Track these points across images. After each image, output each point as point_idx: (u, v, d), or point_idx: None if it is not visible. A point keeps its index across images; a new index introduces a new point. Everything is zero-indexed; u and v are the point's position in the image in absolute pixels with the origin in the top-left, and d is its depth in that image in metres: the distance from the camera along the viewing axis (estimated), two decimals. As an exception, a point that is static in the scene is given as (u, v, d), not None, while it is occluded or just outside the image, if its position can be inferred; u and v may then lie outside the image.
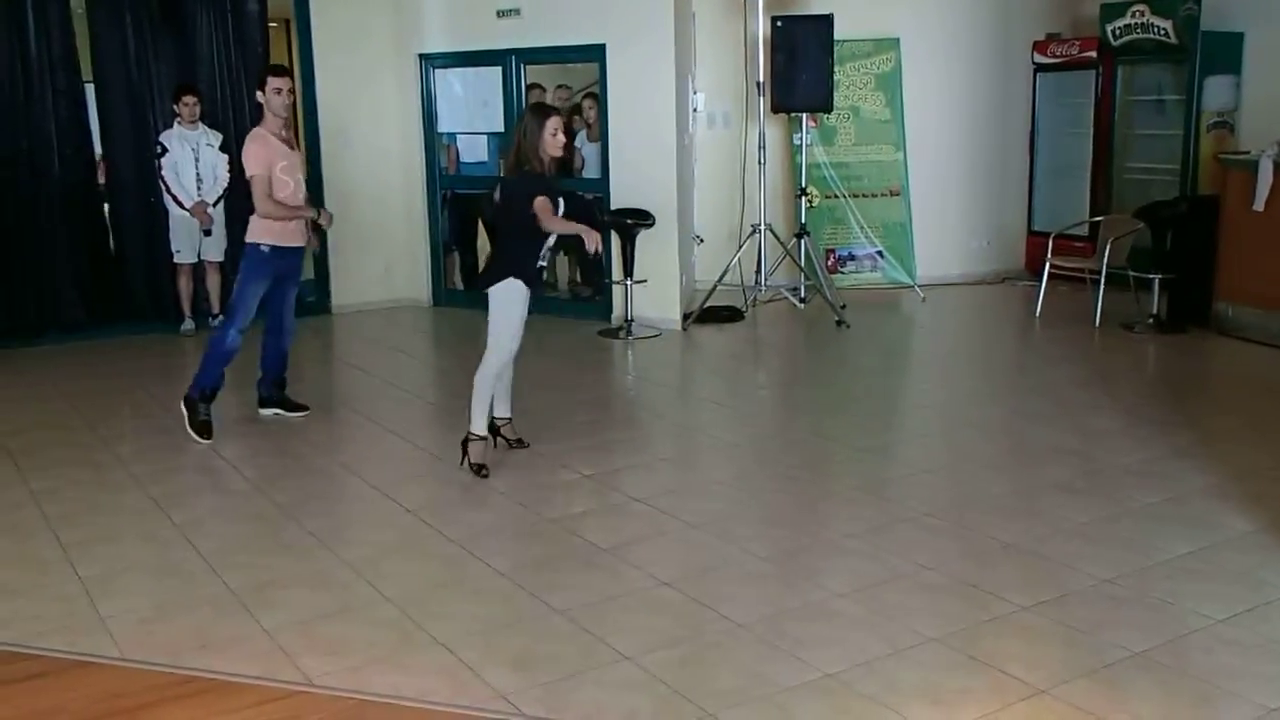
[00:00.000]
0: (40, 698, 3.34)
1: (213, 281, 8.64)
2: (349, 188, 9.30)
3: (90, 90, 8.49)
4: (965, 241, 10.43)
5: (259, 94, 5.93)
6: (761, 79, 8.99)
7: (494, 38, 8.95)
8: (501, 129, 9.22)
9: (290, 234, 5.96)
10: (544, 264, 5.30)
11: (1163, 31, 9.11)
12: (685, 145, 8.88)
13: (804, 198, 9.28)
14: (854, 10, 9.37)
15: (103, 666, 3.52)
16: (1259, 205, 7.60)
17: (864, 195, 9.92)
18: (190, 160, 8.24)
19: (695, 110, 9.73)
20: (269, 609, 3.87)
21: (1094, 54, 9.75)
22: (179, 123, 8.23)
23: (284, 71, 6.07)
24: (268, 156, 5.79)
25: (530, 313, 5.25)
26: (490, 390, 5.27)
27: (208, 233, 8.40)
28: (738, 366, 7.96)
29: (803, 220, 9.24)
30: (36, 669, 3.51)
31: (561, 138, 5.14)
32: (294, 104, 6.25)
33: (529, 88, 9.18)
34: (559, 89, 9.67)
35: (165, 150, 8.21)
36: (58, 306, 8.34)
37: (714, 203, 9.94)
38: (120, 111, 8.50)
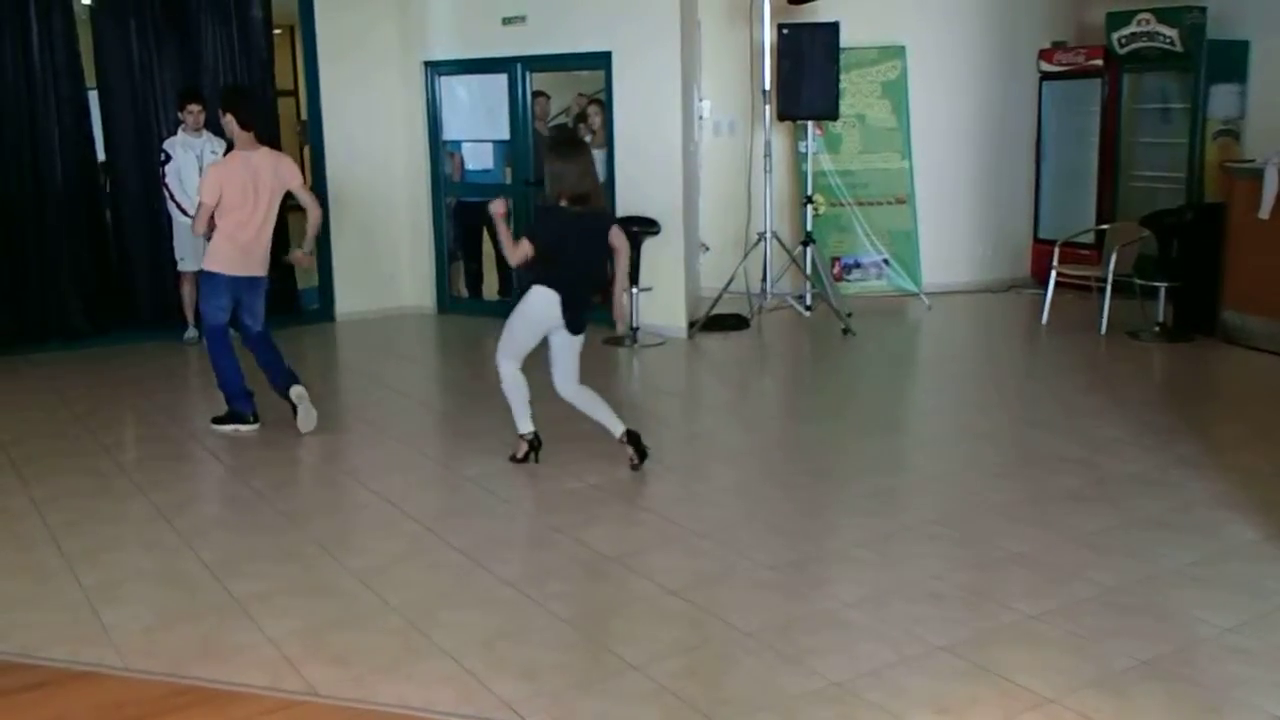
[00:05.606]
0: (42, 708, 3.33)
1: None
2: (353, 195, 9.30)
3: (94, 97, 8.49)
4: (971, 249, 10.42)
5: None
6: (767, 87, 8.98)
7: (499, 45, 8.95)
8: (507, 137, 9.22)
9: None
10: None
11: (1168, 40, 9.10)
12: (691, 153, 8.87)
13: (810, 205, 9.28)
14: (860, 18, 9.37)
15: (105, 676, 3.50)
16: (1265, 214, 7.58)
17: (870, 203, 9.90)
18: (194, 168, 8.22)
19: (701, 118, 9.72)
20: (273, 618, 3.86)
21: (1100, 62, 9.74)
22: (183, 130, 8.23)
23: None
24: None
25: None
26: None
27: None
28: (743, 374, 7.95)
29: (808, 228, 9.23)
30: (38, 679, 3.49)
31: None
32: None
33: (534, 95, 9.17)
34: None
35: (169, 158, 8.19)
36: (61, 314, 8.33)
37: (720, 210, 9.93)
38: (124, 119, 8.51)
